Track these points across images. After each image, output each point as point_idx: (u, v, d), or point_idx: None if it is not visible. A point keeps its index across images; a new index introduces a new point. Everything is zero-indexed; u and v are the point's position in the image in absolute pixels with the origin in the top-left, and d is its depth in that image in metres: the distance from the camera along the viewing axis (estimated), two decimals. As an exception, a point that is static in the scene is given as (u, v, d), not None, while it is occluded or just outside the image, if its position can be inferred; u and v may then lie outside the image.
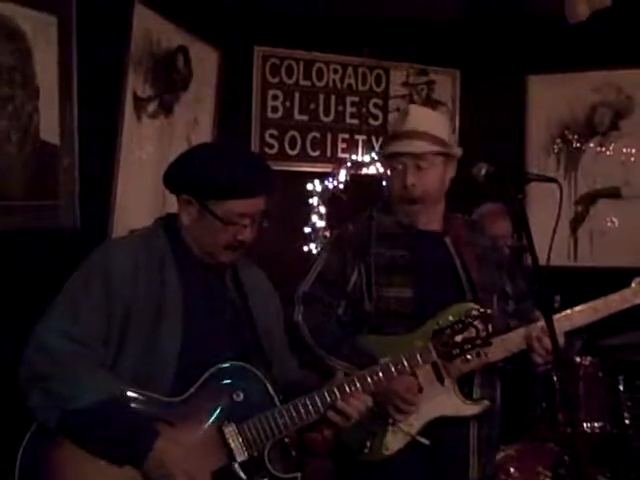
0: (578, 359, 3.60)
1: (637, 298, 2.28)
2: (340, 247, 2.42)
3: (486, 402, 2.34)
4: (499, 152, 4.33)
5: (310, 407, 1.98)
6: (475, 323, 2.07)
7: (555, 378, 3.41)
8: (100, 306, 1.93)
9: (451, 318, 2.12)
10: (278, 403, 2.00)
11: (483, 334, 2.08)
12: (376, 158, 4.59)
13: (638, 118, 4.68)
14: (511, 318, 2.46)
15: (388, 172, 2.52)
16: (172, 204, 2.16)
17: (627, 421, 3.53)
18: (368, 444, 2.25)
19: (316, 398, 1.99)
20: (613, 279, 4.41)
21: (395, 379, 2.07)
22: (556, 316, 2.28)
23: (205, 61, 4.15)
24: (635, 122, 4.68)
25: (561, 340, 2.18)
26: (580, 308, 2.37)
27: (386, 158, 2.54)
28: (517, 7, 4.53)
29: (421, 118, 2.49)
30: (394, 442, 2.25)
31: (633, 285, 2.30)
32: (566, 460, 1.77)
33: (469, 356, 2.11)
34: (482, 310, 2.13)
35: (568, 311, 2.39)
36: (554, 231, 2.36)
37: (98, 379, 1.89)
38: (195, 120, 4.08)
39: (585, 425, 3.49)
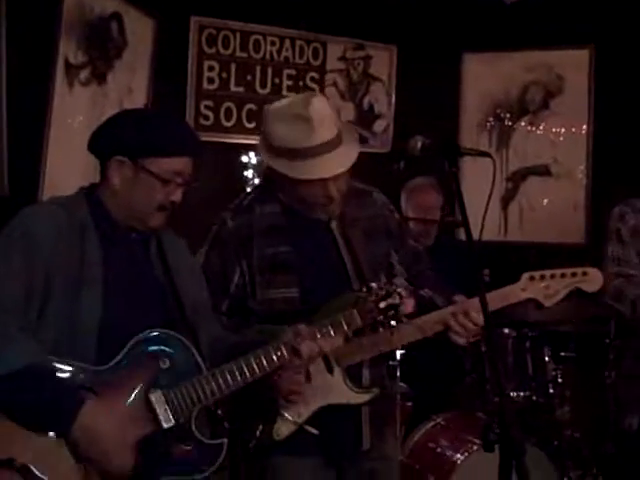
0: (506, 331, 3.70)
1: (525, 293, 2.32)
2: (220, 245, 2.31)
3: (375, 390, 2.34)
4: (434, 128, 4.37)
5: (237, 373, 2.00)
6: (399, 290, 2.09)
7: (484, 350, 3.50)
8: (20, 272, 1.90)
9: (373, 284, 2.14)
10: (205, 369, 2.00)
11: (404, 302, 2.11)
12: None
13: (568, 98, 4.78)
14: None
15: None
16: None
17: (552, 390, 3.65)
18: (259, 430, 2.27)
19: (242, 363, 2.01)
20: (541, 254, 4.61)
21: (282, 369, 2.08)
22: (449, 308, 2.31)
23: (140, 30, 4.08)
24: (565, 102, 4.79)
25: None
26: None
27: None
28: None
29: (324, 119, 2.22)
30: (284, 429, 2.26)
31: (521, 281, 2.33)
32: (494, 427, 1.81)
33: (393, 322, 2.13)
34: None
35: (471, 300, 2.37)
36: (487, 206, 2.38)
37: (20, 345, 1.85)
38: (129, 89, 4.01)
39: (512, 395, 3.60)
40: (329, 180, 2.23)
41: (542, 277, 2.32)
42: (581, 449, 3.74)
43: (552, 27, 4.69)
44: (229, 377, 2.00)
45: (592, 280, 2.34)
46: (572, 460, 3.70)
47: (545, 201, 4.80)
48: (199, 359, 2.01)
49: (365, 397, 2.33)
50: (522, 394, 3.60)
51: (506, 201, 4.86)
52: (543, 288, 2.32)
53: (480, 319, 2.21)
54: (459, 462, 3.27)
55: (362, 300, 2.11)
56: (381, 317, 2.10)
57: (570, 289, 2.32)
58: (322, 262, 2.33)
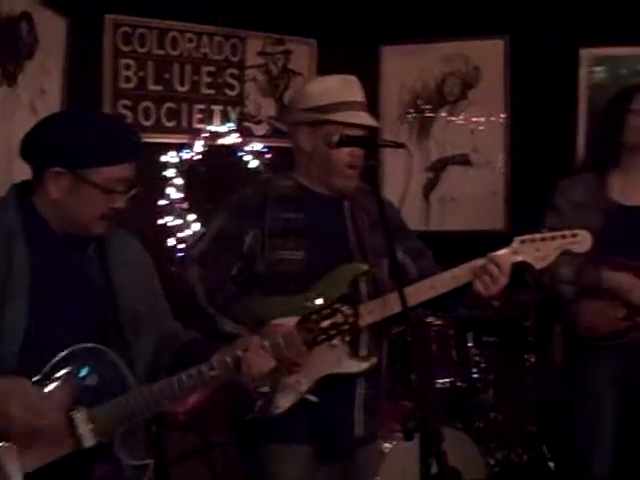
0: (429, 319, 3.76)
1: (518, 256, 2.33)
2: (237, 210, 2.41)
3: (373, 359, 2.36)
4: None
5: (167, 391, 1.92)
6: (343, 309, 2.06)
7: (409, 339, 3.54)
8: None
9: (320, 301, 2.15)
10: (133, 386, 1.93)
11: (351, 320, 2.07)
12: (234, 128, 4.59)
13: (485, 88, 4.87)
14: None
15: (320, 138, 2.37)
16: (19, 173, 2.05)
17: (475, 375, 3.73)
18: (259, 403, 2.28)
19: (174, 381, 1.93)
20: (463, 242, 4.68)
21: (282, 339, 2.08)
22: (427, 281, 2.34)
23: (52, 29, 4.00)
24: (483, 92, 4.88)
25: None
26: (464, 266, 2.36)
27: (329, 124, 2.36)
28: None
29: (360, 91, 2.46)
30: (284, 400, 2.28)
31: (513, 244, 2.35)
32: (414, 416, 1.85)
33: (335, 341, 2.12)
34: (345, 294, 2.18)
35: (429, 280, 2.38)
36: (403, 196, 2.44)
37: None
38: (41, 90, 3.92)
39: (438, 381, 3.66)
40: (356, 149, 2.36)
41: (533, 240, 2.32)
42: (505, 430, 3.83)
43: (468, 18, 4.78)
44: (158, 395, 1.92)
45: (581, 241, 2.36)
46: (497, 441, 3.79)
47: (465, 190, 4.89)
48: (128, 375, 1.94)
49: (363, 366, 2.34)
50: (447, 380, 3.66)
51: (427, 191, 4.94)
52: (534, 251, 2.32)
53: (505, 274, 2.28)
54: (386, 451, 3.32)
55: (303, 319, 2.08)
56: (323, 337, 2.08)
57: (560, 251, 2.33)
58: (330, 234, 2.40)
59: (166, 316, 2.18)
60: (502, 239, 2.36)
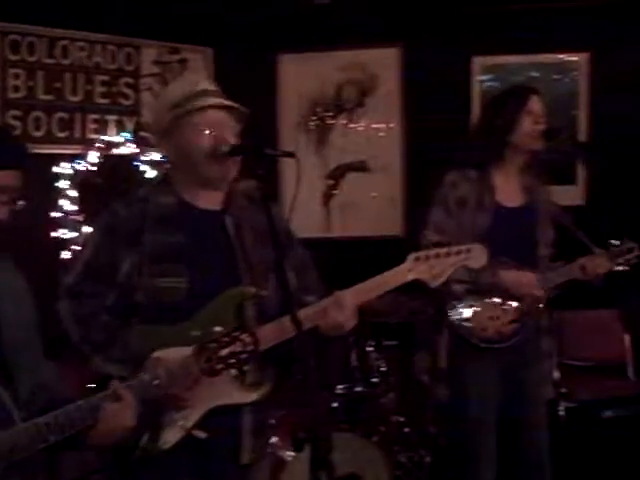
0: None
1: (412, 274, 2.33)
2: (110, 234, 2.23)
3: (264, 388, 2.28)
4: (254, 130, 4.38)
5: (50, 428, 1.83)
6: (243, 337, 2.02)
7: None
8: None
9: (218, 329, 2.06)
10: (18, 421, 1.83)
11: (250, 348, 2.03)
12: (129, 138, 4.51)
13: (382, 95, 4.93)
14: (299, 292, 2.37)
15: (190, 133, 2.25)
16: None
17: (375, 380, 3.76)
18: (144, 440, 2.15)
19: (59, 418, 1.84)
20: (364, 248, 4.74)
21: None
22: (341, 294, 2.25)
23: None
24: (380, 99, 4.94)
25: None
26: (360, 287, 2.30)
27: (186, 115, 2.25)
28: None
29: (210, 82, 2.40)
30: (170, 436, 2.16)
31: (407, 262, 2.34)
32: (304, 426, 1.83)
33: (233, 370, 2.08)
34: (249, 330, 2.08)
35: (350, 290, 2.29)
36: (292, 205, 2.41)
37: None
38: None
39: (338, 387, 3.68)
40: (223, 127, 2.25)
41: (427, 257, 2.28)
42: (408, 432, 3.87)
43: (363, 26, 4.84)
44: (43, 431, 1.82)
45: (476, 256, 2.35)
46: (400, 444, 3.82)
47: (365, 196, 4.94)
48: (12, 409, 1.83)
49: (253, 395, 2.24)
50: (346, 386, 3.67)
51: (327, 198, 4.97)
52: (429, 268, 2.27)
53: (350, 310, 2.20)
54: (288, 459, 3.32)
55: (201, 347, 2.02)
56: (221, 366, 2.03)
57: (456, 267, 2.31)
58: (213, 256, 2.27)
59: (38, 358, 2.01)
60: (400, 245, 2.37)
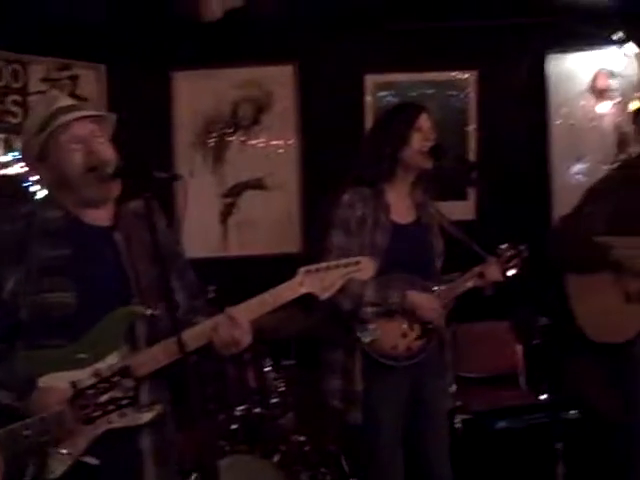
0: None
1: (303, 287, 2.33)
2: None
3: (158, 407, 2.19)
4: (148, 150, 4.31)
5: None
6: (123, 382, 1.98)
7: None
8: None
9: (93, 379, 2.01)
10: None
11: (131, 393, 2.00)
12: (18, 157, 4.36)
13: (278, 112, 4.94)
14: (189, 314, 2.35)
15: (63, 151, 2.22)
16: None
17: (274, 400, 3.74)
18: (30, 471, 2.04)
19: None
20: (261, 266, 4.72)
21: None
22: (232, 309, 2.24)
23: None
24: (275, 116, 4.94)
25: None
26: (252, 302, 2.29)
27: (52, 137, 2.21)
28: (159, 6, 4.56)
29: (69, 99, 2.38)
30: (58, 465, 2.06)
31: (298, 276, 2.34)
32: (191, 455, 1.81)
33: (111, 417, 2.02)
34: (125, 366, 2.04)
35: (242, 305, 2.35)
36: (180, 225, 2.39)
37: None
38: None
39: (236, 409, 3.65)
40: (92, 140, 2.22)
41: (317, 270, 2.29)
42: (308, 451, 3.87)
43: (259, 45, 4.84)
44: None
45: (364, 268, 2.38)
46: (301, 464, 3.82)
47: (262, 214, 4.93)
48: None
49: (148, 416, 2.15)
50: (245, 407, 3.65)
51: (225, 216, 4.93)
52: (319, 281, 2.29)
53: (244, 325, 2.18)
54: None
55: (77, 394, 1.98)
56: (98, 413, 1.98)
57: (345, 279, 2.33)
58: (102, 271, 2.22)
59: None
60: (298, 262, 2.37)
